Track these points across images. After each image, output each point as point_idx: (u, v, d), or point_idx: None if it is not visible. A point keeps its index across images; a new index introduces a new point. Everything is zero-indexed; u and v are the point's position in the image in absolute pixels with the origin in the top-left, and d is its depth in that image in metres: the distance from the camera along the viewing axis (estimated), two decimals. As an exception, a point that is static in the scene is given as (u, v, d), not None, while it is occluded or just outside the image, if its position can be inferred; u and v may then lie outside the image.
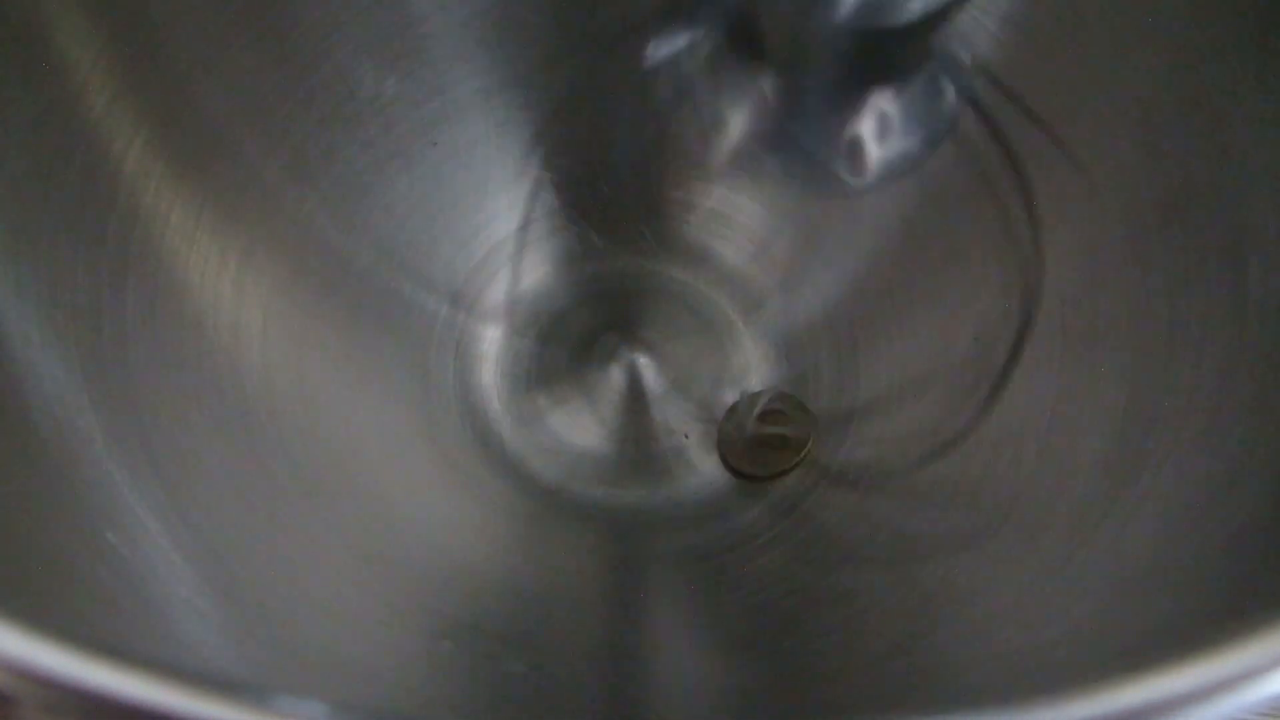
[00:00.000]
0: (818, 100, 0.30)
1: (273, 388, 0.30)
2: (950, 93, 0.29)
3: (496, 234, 0.36)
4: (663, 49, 0.32)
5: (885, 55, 0.28)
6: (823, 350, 0.35)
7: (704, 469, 0.35)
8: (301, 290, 0.32)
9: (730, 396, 0.36)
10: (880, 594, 0.28)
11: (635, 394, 0.36)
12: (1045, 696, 0.11)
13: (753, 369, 0.36)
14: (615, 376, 0.36)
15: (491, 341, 0.36)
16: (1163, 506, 0.23)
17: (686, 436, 0.36)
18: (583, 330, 0.37)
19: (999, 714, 0.11)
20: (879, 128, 0.30)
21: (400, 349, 0.34)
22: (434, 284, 0.35)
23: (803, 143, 0.30)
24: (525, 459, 0.35)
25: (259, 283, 0.30)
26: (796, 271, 0.36)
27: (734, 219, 0.37)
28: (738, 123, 0.32)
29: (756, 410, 0.35)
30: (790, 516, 0.33)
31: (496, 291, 0.37)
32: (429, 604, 0.28)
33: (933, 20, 0.27)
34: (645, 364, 0.36)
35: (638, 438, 0.36)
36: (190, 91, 0.28)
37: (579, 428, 0.36)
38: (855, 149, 0.30)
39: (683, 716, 0.27)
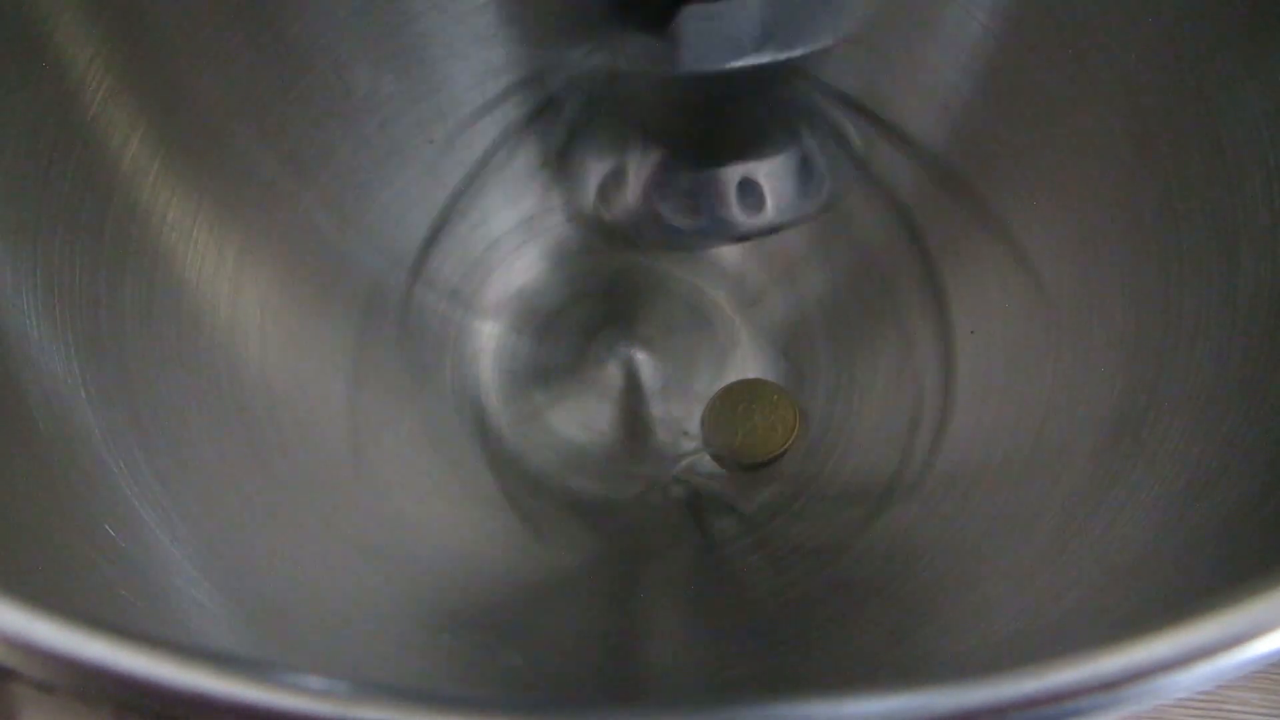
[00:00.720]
0: (675, 163, 0.30)
1: (270, 383, 0.30)
2: (820, 165, 0.30)
3: (494, 230, 0.37)
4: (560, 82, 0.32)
5: (774, 105, 0.28)
6: (820, 345, 0.36)
7: (701, 464, 0.35)
8: (298, 286, 0.32)
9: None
10: (876, 585, 0.28)
11: (632, 389, 0.36)
12: (1029, 666, 0.11)
13: (750, 365, 0.36)
14: (612, 372, 0.37)
15: (489, 337, 0.36)
16: (1155, 494, 0.23)
17: (685, 433, 0.36)
18: (580, 326, 0.37)
19: (982, 684, 0.11)
20: (737, 195, 0.30)
21: (398, 344, 0.34)
22: (431, 280, 0.35)
23: (656, 206, 0.30)
24: (522, 454, 0.35)
25: (256, 278, 0.30)
26: (794, 267, 0.36)
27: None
28: (590, 181, 0.32)
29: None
30: (788, 510, 0.33)
31: (494, 288, 0.37)
32: (426, 598, 0.29)
33: (821, 56, 0.27)
34: (642, 360, 0.37)
35: (635, 433, 0.36)
36: (187, 88, 0.29)
37: (576, 423, 0.36)
38: (711, 214, 0.30)
39: (679, 710, 0.27)
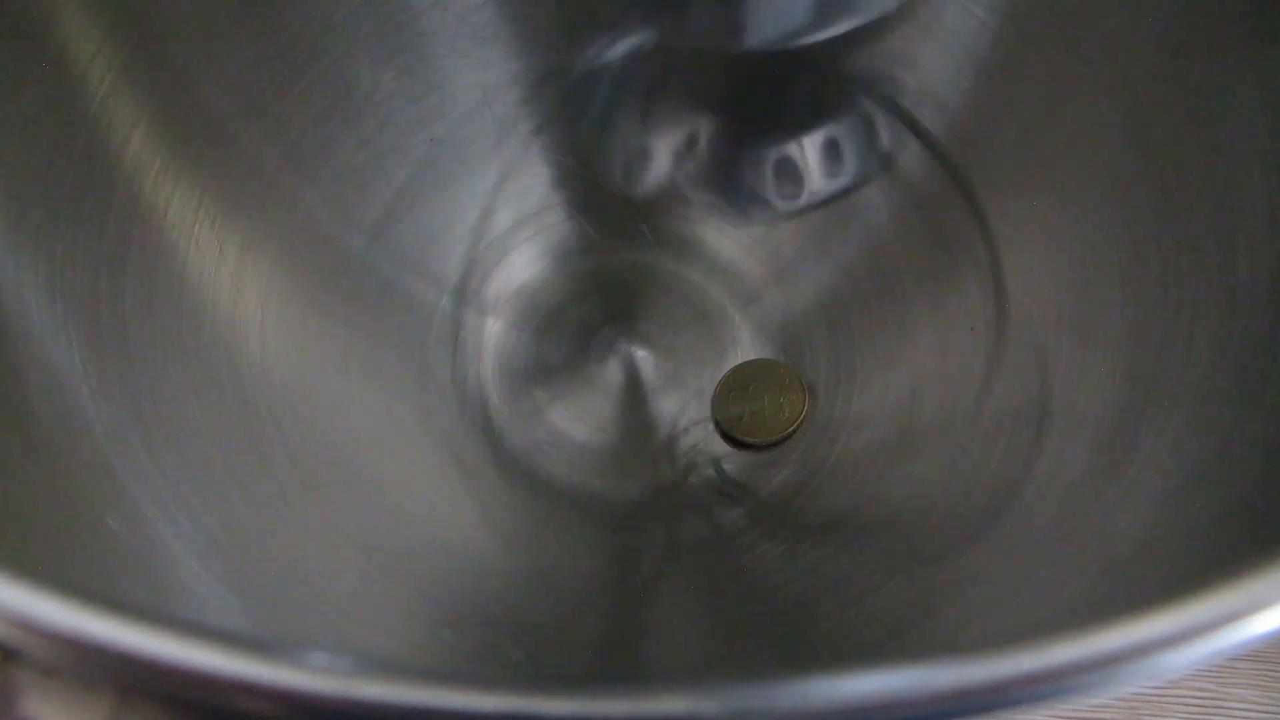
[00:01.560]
0: (746, 135, 0.30)
1: (271, 380, 0.30)
2: (884, 130, 0.30)
3: (494, 228, 0.37)
4: (592, 68, 0.32)
5: (811, 85, 0.29)
6: (819, 342, 0.36)
7: (702, 460, 0.35)
8: (299, 283, 0.32)
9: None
10: (877, 581, 0.28)
11: (633, 387, 0.36)
12: (1028, 643, 0.11)
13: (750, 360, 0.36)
14: (613, 369, 0.37)
15: (490, 335, 0.37)
16: (1153, 487, 0.23)
17: (686, 430, 0.36)
18: (581, 324, 0.37)
19: (981, 661, 0.11)
20: (811, 160, 0.30)
21: (398, 342, 0.34)
22: (432, 278, 0.35)
23: (731, 175, 0.31)
24: (523, 451, 0.35)
25: (257, 275, 0.31)
26: (793, 264, 0.36)
27: (717, 205, 0.37)
28: (663, 155, 0.32)
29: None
30: (788, 506, 0.33)
31: (494, 285, 0.37)
32: (427, 593, 0.29)
33: (860, 36, 0.27)
34: (643, 357, 0.37)
35: (635, 430, 0.36)
36: (189, 85, 0.29)
37: (577, 420, 0.36)
38: (786, 176, 0.30)
39: (681, 688, 0.27)
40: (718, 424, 0.35)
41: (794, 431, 0.34)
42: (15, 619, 0.11)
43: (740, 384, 0.36)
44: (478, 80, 0.34)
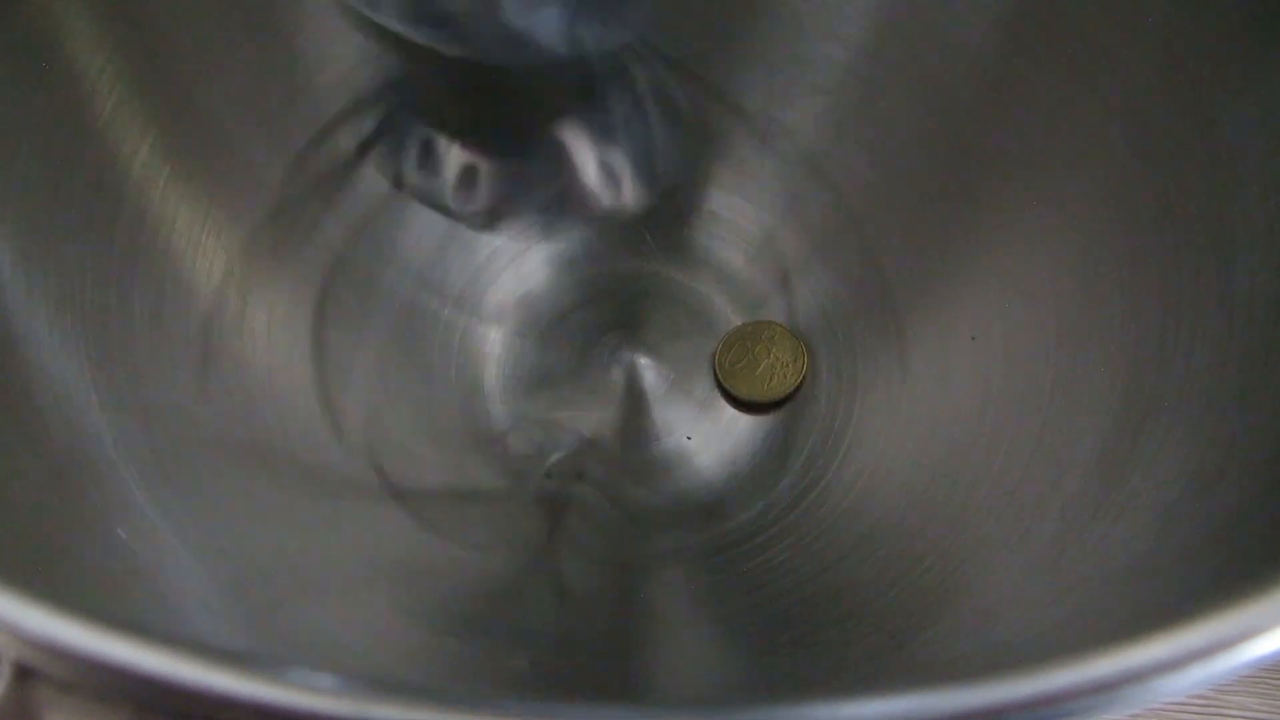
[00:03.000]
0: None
1: (277, 389, 0.30)
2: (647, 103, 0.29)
3: (498, 236, 0.37)
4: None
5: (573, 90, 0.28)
6: (821, 350, 0.36)
7: (705, 468, 0.35)
8: (306, 293, 0.32)
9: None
10: (878, 591, 0.28)
11: (636, 395, 0.37)
12: (1025, 668, 0.11)
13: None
14: (616, 377, 0.37)
15: (494, 343, 0.37)
16: (1153, 500, 0.23)
17: (688, 438, 0.36)
18: (583, 332, 0.37)
19: (978, 686, 0.11)
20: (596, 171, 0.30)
21: (403, 350, 0.34)
22: (437, 286, 0.35)
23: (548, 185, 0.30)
24: (526, 459, 0.35)
25: (264, 285, 0.31)
26: (795, 272, 0.37)
27: (733, 221, 0.37)
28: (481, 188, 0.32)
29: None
30: (790, 515, 0.33)
31: (498, 293, 0.37)
32: (434, 602, 0.29)
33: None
34: (646, 365, 0.37)
35: (639, 438, 0.36)
36: (196, 97, 0.29)
37: (580, 428, 0.36)
38: (606, 171, 0.30)
39: (684, 713, 0.27)
40: (719, 384, 0.36)
41: (794, 393, 0.35)
42: (32, 639, 0.11)
43: (740, 344, 0.36)
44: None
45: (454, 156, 0.28)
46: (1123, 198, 0.28)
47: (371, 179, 0.34)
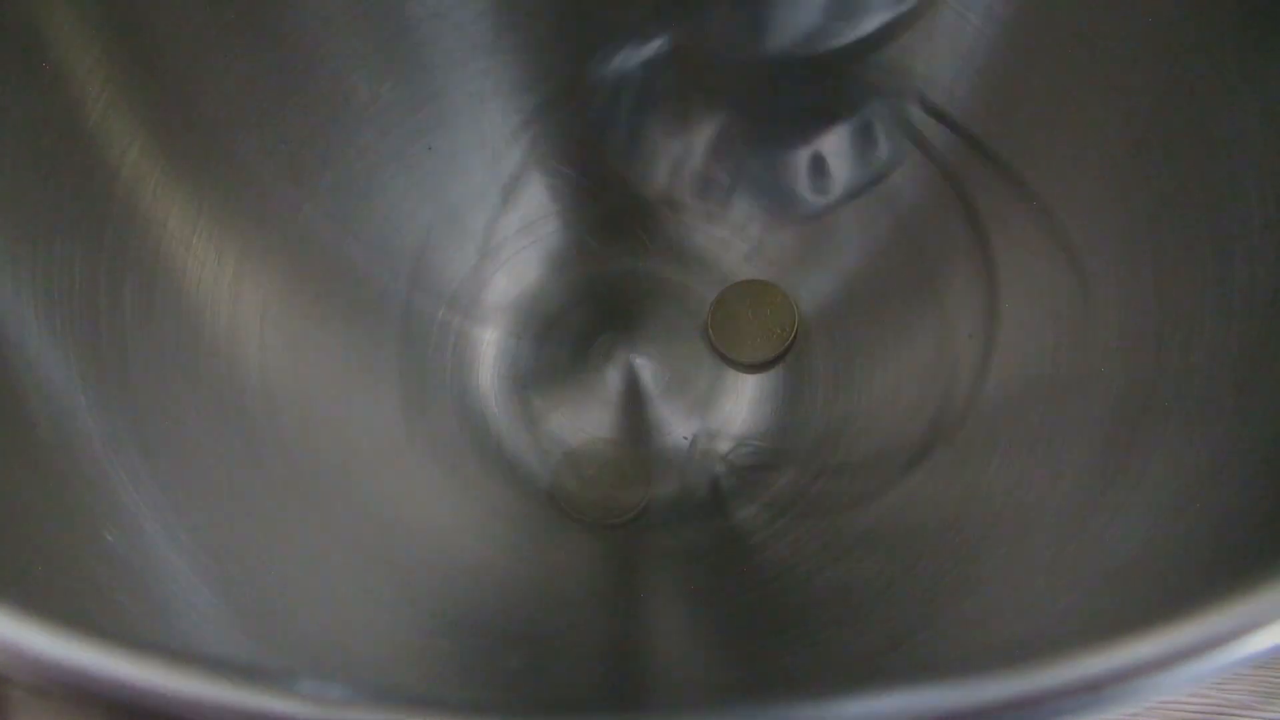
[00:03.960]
0: (748, 139, 0.30)
1: (270, 389, 0.30)
2: (883, 141, 0.30)
3: (492, 236, 0.37)
4: (608, 74, 0.32)
5: (822, 90, 0.29)
6: (818, 349, 0.36)
7: (702, 467, 0.35)
8: (298, 293, 0.32)
9: (726, 397, 0.36)
10: (878, 588, 0.28)
11: (632, 394, 0.36)
12: (1013, 667, 0.11)
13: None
14: (612, 377, 0.37)
15: (488, 343, 0.37)
16: (1150, 498, 0.23)
17: (686, 439, 0.36)
18: (579, 332, 0.37)
19: (967, 685, 0.11)
20: (807, 170, 0.30)
21: (397, 351, 0.34)
22: (430, 286, 0.35)
23: (726, 181, 0.31)
24: (522, 460, 0.35)
25: (256, 286, 0.31)
26: (791, 272, 0.36)
27: (729, 220, 0.37)
28: (663, 158, 0.32)
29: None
30: (787, 514, 0.33)
31: (493, 293, 0.37)
32: (427, 602, 0.29)
33: (868, 46, 0.27)
34: (642, 364, 0.37)
35: (635, 438, 0.36)
36: (187, 96, 0.29)
37: (575, 428, 0.36)
38: (816, 171, 0.30)
39: (681, 712, 0.27)
40: (710, 343, 0.36)
41: (786, 351, 0.35)
42: (4, 648, 0.11)
43: (731, 306, 0.36)
44: (476, 90, 0.35)
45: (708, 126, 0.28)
46: (1119, 193, 0.28)
47: (367, 177, 0.33)
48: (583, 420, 0.36)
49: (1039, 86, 0.29)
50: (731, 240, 0.37)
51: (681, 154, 0.32)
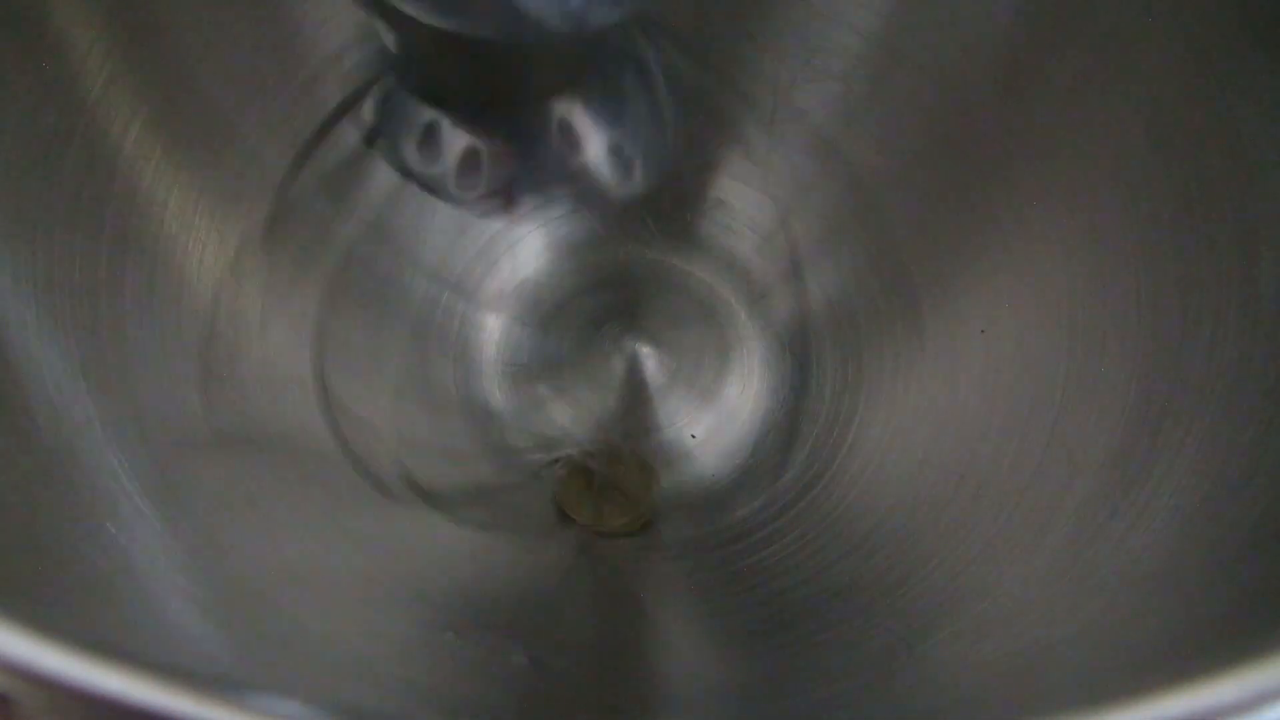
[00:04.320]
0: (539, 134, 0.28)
1: (272, 374, 0.29)
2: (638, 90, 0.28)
3: (498, 222, 0.36)
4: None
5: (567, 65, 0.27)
6: (827, 342, 0.35)
7: (706, 461, 0.35)
8: (300, 278, 0.31)
9: (732, 389, 0.36)
10: (884, 589, 0.28)
11: (637, 384, 0.36)
12: (1047, 710, 0.11)
13: (755, 360, 0.36)
14: (617, 366, 0.36)
15: (493, 330, 0.36)
16: (1174, 503, 0.23)
17: (693, 435, 0.35)
18: (585, 319, 0.37)
19: None
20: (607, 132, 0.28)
21: (401, 337, 0.34)
22: (435, 271, 0.35)
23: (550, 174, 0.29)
24: (525, 450, 0.35)
25: (258, 268, 0.30)
26: (802, 263, 0.36)
27: (739, 209, 0.36)
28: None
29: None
30: (793, 510, 0.32)
31: (498, 279, 0.36)
32: (430, 596, 0.28)
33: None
34: (647, 353, 0.36)
35: (639, 427, 0.36)
36: (189, 74, 0.28)
37: (580, 417, 0.35)
38: (610, 156, 0.29)
39: (684, 710, 0.27)
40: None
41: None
42: (13, 670, 0.10)
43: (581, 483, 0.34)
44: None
45: (456, 140, 0.27)
46: (1141, 190, 0.28)
47: (367, 163, 0.33)
48: (587, 408, 0.36)
49: (1060, 83, 0.29)
50: (742, 230, 0.37)
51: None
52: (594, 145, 0.27)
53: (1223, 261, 0.25)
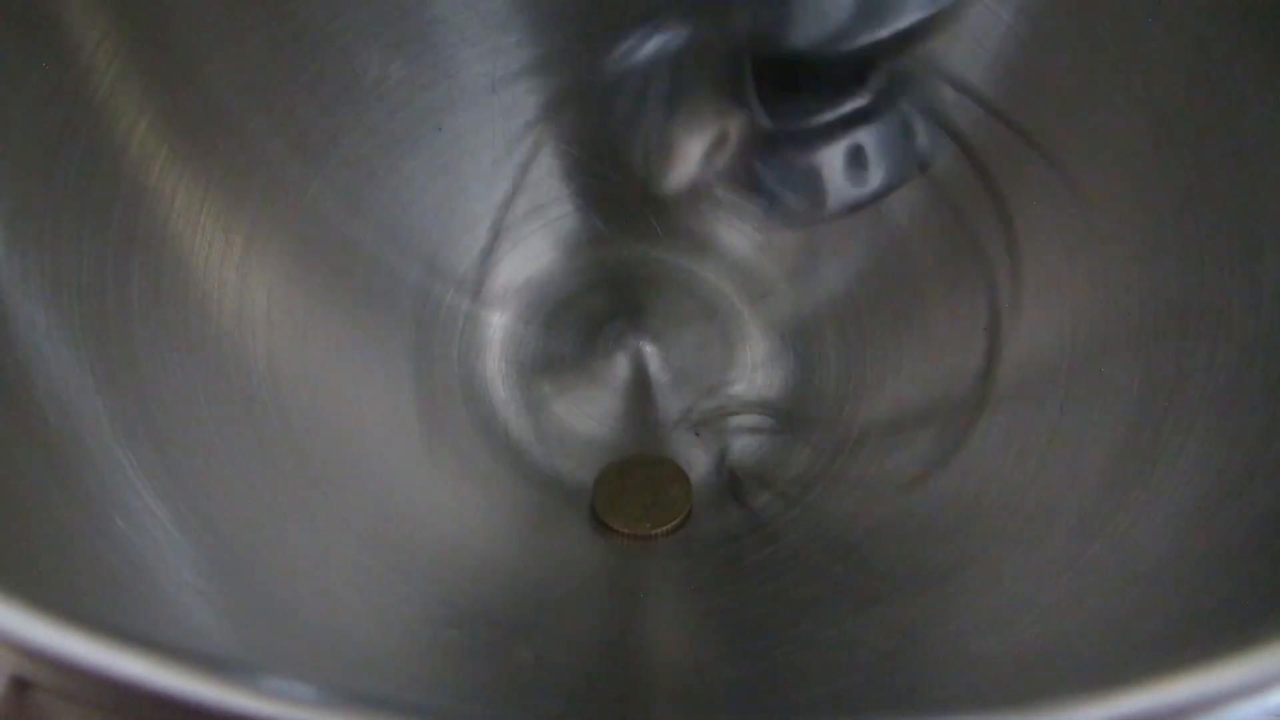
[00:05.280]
0: (779, 133, 0.29)
1: (277, 372, 0.30)
2: (921, 133, 0.29)
3: (502, 219, 0.36)
4: (623, 62, 0.31)
5: (852, 86, 0.28)
6: (829, 341, 0.35)
7: (708, 459, 0.35)
8: (306, 274, 0.31)
9: (737, 386, 0.36)
10: (886, 586, 0.28)
11: (640, 382, 0.36)
12: (1054, 698, 0.11)
13: (758, 358, 0.36)
14: (620, 364, 0.36)
15: (496, 328, 0.36)
16: (1177, 499, 0.23)
17: (697, 434, 0.35)
18: (588, 317, 0.37)
19: (1005, 714, 0.11)
20: (844, 164, 0.29)
21: (404, 335, 0.34)
22: (438, 269, 0.35)
23: (760, 176, 0.30)
24: (529, 446, 0.35)
25: (263, 266, 0.30)
26: (805, 261, 0.36)
27: (742, 207, 0.37)
28: (690, 152, 0.31)
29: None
30: (796, 507, 0.32)
31: (501, 278, 0.36)
32: (435, 592, 0.28)
33: (902, 41, 0.27)
34: (651, 352, 0.36)
35: (642, 426, 0.36)
36: (196, 73, 0.28)
37: (583, 415, 0.36)
38: (815, 184, 0.30)
39: (687, 707, 0.27)
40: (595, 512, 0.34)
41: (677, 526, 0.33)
42: (33, 653, 0.10)
43: (619, 479, 0.34)
44: (487, 70, 0.34)
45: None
46: (1144, 188, 0.28)
47: (376, 157, 0.33)
48: (590, 406, 0.36)
49: (1065, 82, 0.29)
50: (746, 229, 0.37)
51: (700, 146, 0.32)
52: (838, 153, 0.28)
53: (1225, 259, 0.25)
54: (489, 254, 0.36)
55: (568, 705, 0.26)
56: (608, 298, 0.37)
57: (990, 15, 0.29)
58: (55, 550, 0.20)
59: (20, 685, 0.11)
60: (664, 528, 0.32)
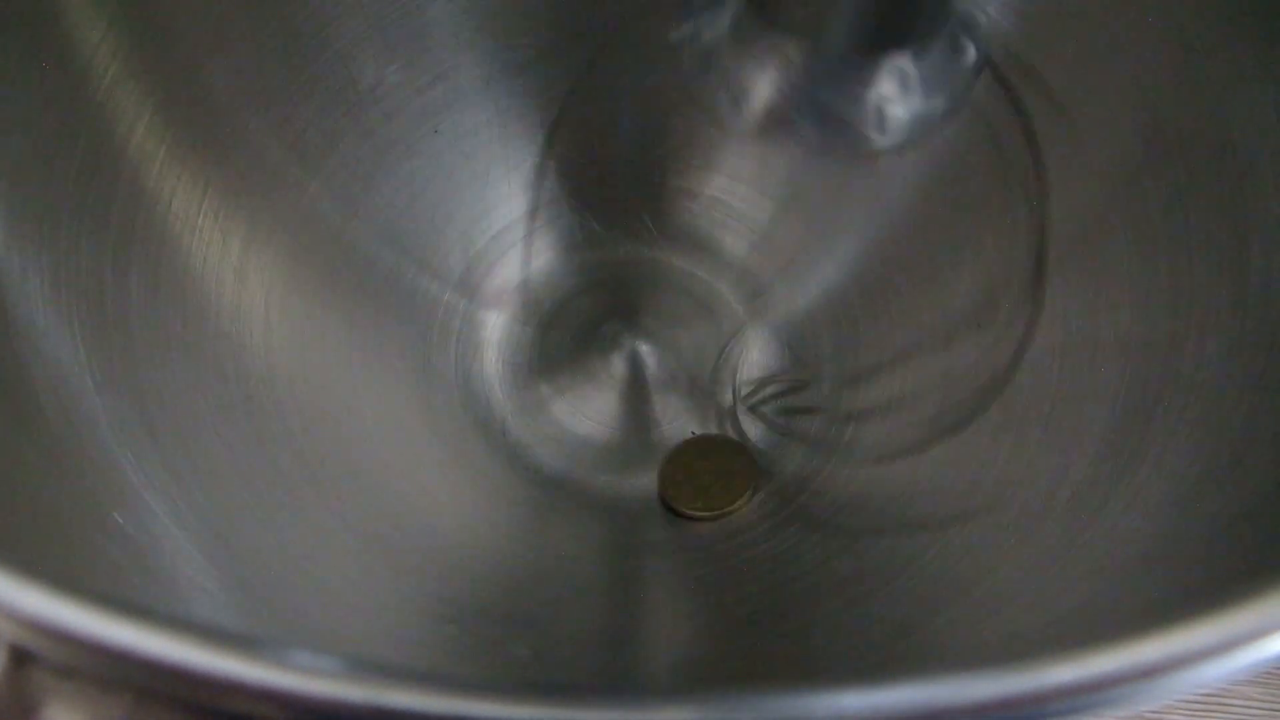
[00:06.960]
0: (840, 63, 0.29)
1: (275, 372, 0.30)
2: (971, 51, 0.29)
3: (498, 221, 0.36)
4: (684, 22, 0.31)
5: (905, 15, 0.28)
6: (824, 337, 0.35)
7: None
8: (303, 275, 0.32)
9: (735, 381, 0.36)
10: (883, 578, 0.28)
11: (637, 382, 0.36)
12: (1067, 651, 0.11)
13: (753, 357, 0.36)
14: (617, 364, 0.36)
15: (494, 328, 0.36)
16: (1166, 487, 0.23)
17: (693, 432, 0.35)
18: (585, 318, 0.37)
19: (978, 678, 0.11)
20: (902, 88, 0.30)
21: (402, 335, 0.34)
22: (436, 270, 0.35)
23: (829, 105, 0.30)
24: (527, 446, 0.35)
25: (261, 267, 0.30)
26: (798, 259, 0.36)
27: (736, 207, 0.37)
28: (763, 89, 0.31)
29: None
30: (793, 502, 0.33)
31: (498, 278, 0.37)
32: (433, 588, 0.28)
33: None
34: (647, 352, 0.37)
35: (639, 425, 0.36)
36: (194, 75, 0.28)
37: (581, 415, 0.36)
38: (880, 109, 0.30)
39: (684, 700, 0.27)
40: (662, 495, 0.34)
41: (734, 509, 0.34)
42: (30, 621, 0.10)
43: (689, 457, 0.35)
44: (483, 72, 0.34)
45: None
46: (1132, 185, 0.28)
47: (373, 159, 0.33)
48: (587, 406, 0.36)
49: (1050, 74, 0.29)
50: (739, 227, 0.37)
51: (743, 89, 0.32)
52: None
53: (1214, 253, 0.26)
54: (486, 255, 0.36)
55: (563, 700, 0.26)
56: (603, 298, 0.37)
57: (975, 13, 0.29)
58: (55, 543, 0.20)
59: (19, 661, 0.11)
60: (736, 504, 0.33)
